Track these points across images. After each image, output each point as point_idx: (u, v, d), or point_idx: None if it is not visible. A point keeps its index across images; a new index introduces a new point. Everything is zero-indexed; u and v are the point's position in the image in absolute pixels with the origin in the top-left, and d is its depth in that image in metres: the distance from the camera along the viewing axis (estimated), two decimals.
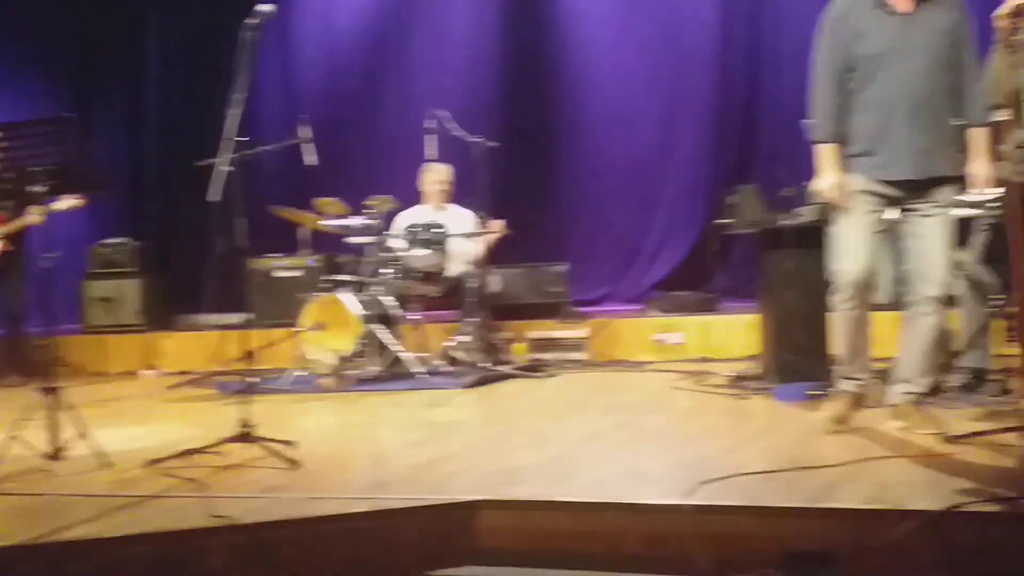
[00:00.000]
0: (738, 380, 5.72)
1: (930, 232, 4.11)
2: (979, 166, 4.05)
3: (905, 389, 4.21)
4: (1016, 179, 3.67)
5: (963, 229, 5.46)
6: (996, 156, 4.13)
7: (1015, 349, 4.52)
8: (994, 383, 4.86)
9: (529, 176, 9.63)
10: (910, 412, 4.17)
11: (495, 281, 7.63)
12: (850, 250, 4.16)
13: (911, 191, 4.12)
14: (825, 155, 4.20)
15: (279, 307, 7.73)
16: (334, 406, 5.82)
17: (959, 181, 4.13)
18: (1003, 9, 3.69)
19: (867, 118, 4.13)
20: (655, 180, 9.55)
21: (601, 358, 7.39)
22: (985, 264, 4.96)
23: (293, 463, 3.95)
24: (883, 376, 4.52)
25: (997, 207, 4.57)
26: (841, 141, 4.18)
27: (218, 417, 4.81)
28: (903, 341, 4.26)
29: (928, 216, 4.12)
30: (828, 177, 4.16)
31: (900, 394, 4.22)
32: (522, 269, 8.04)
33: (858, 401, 4.32)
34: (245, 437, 4.17)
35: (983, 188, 4.07)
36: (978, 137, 4.06)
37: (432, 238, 6.72)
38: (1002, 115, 3.78)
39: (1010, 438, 3.64)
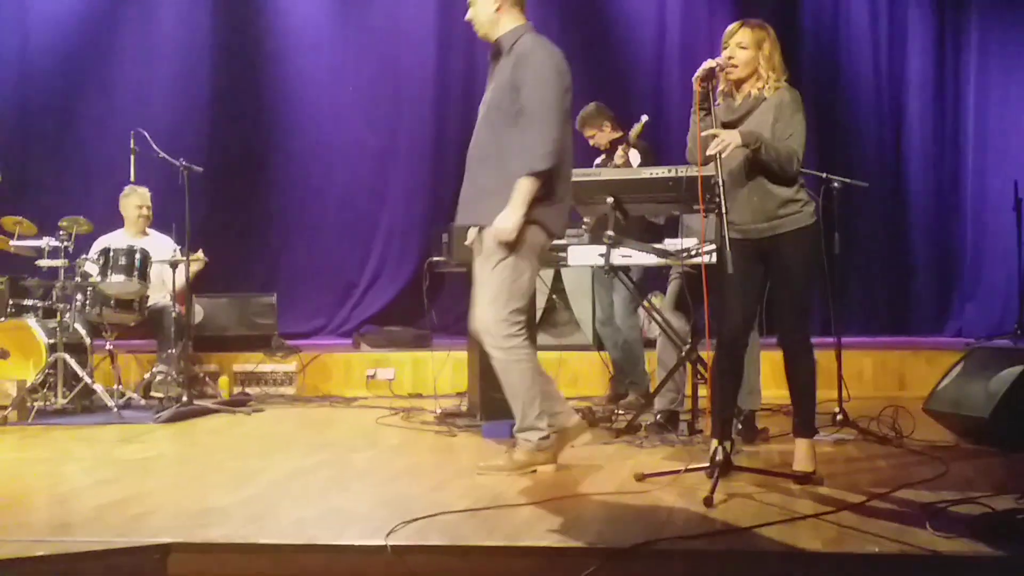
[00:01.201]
0: (446, 417, 5.76)
1: (477, 274, 4.31)
2: (503, 216, 4.13)
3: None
4: (732, 235, 3.87)
5: (657, 277, 5.80)
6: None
7: (704, 391, 4.80)
8: (684, 423, 5.13)
9: (239, 203, 9.40)
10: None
11: (198, 311, 7.34)
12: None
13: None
14: None
15: None
16: (15, 440, 5.38)
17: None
18: (698, 72, 3.95)
19: None
20: (370, 215, 9.57)
21: (311, 393, 7.26)
22: (676, 311, 5.25)
23: None
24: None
25: (690, 257, 4.87)
26: None
27: None
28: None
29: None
30: None
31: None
32: (228, 299, 7.78)
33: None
34: None
35: (499, 237, 4.15)
36: (517, 187, 4.14)
37: (131, 264, 6.35)
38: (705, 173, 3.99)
39: (698, 476, 3.85)
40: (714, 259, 4.05)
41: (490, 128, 4.28)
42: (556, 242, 5.48)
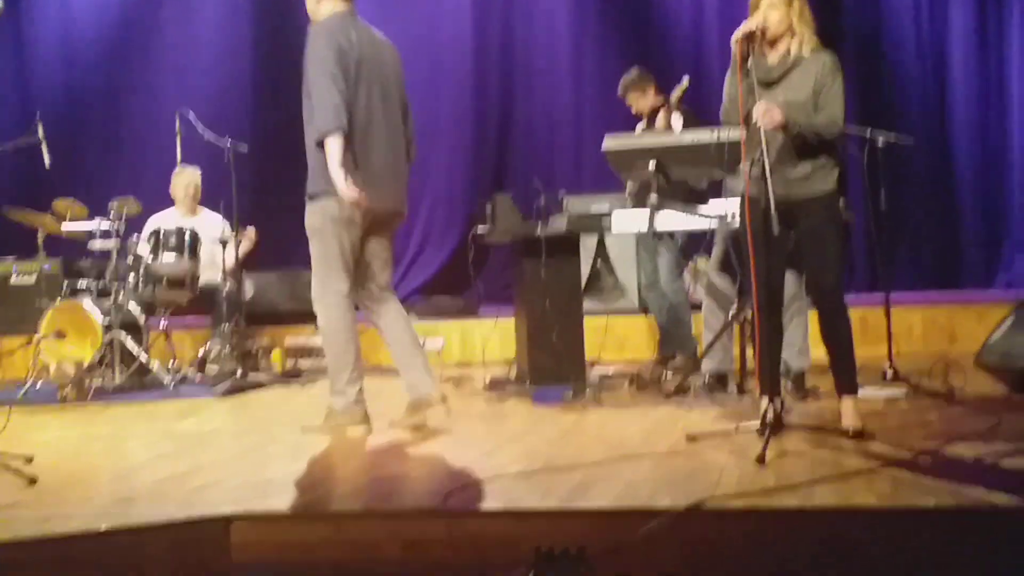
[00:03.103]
0: (496, 384, 5.81)
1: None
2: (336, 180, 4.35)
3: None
4: (752, 193, 3.92)
5: (702, 240, 5.79)
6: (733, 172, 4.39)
7: (752, 351, 4.81)
8: (733, 383, 5.14)
9: (284, 180, 9.39)
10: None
11: (249, 287, 7.44)
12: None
13: None
14: None
15: (14, 314, 7.36)
16: (74, 418, 5.49)
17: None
18: (736, 34, 3.93)
19: None
20: (414, 187, 9.52)
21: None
22: (722, 272, 5.25)
23: (30, 479, 3.70)
24: None
25: (735, 219, 4.86)
26: None
27: None
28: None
29: None
30: None
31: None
32: (278, 274, 7.88)
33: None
34: None
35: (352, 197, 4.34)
36: (328, 151, 4.34)
37: (181, 243, 6.45)
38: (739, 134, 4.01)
39: (749, 435, 3.87)
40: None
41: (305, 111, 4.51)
42: (598, 208, 5.53)
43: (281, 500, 3.34)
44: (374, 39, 4.66)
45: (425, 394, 4.63)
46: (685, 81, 5.66)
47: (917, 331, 6.92)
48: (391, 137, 4.62)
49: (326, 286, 4.50)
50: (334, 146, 4.29)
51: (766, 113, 3.84)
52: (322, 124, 4.31)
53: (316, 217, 4.46)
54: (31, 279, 7.53)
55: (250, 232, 7.03)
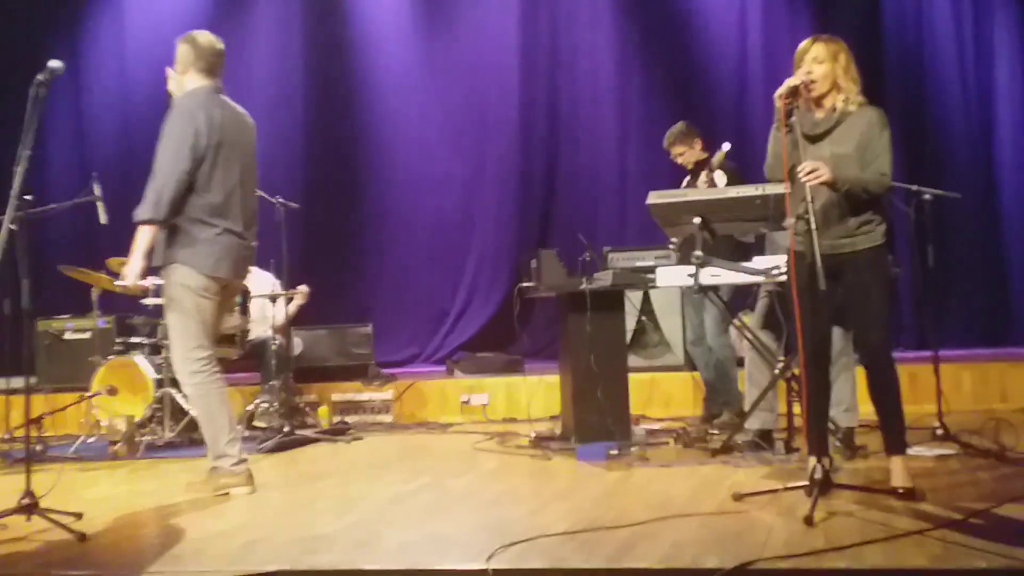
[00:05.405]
0: (541, 440, 5.81)
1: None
2: (127, 266, 4.56)
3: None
4: (797, 248, 3.93)
5: (748, 295, 5.79)
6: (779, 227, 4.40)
7: (798, 408, 4.78)
8: (780, 441, 5.10)
9: (333, 238, 9.62)
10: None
11: (297, 343, 7.52)
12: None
13: None
14: None
15: (68, 370, 7.50)
16: (125, 474, 5.57)
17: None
18: (781, 89, 3.96)
19: None
20: (460, 243, 9.70)
21: (407, 420, 7.37)
22: (766, 329, 5.23)
23: (80, 536, 3.75)
24: None
25: (780, 274, 4.86)
26: None
27: None
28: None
29: None
30: None
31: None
32: (326, 330, 7.97)
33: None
34: (28, 509, 3.92)
35: (125, 285, 4.65)
36: (136, 236, 4.53)
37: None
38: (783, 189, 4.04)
39: (796, 495, 3.83)
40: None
41: None
42: (643, 263, 5.55)
43: (328, 557, 3.36)
44: (236, 116, 4.82)
45: (233, 467, 4.70)
46: (726, 147, 5.71)
47: (967, 388, 6.82)
48: (246, 214, 4.76)
49: (191, 351, 4.59)
50: (146, 235, 4.48)
51: (813, 172, 3.86)
52: (143, 211, 4.49)
53: (175, 287, 4.57)
54: (86, 335, 7.67)
55: (303, 289, 7.14)
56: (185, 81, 4.75)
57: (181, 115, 4.57)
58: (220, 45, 4.82)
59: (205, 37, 4.79)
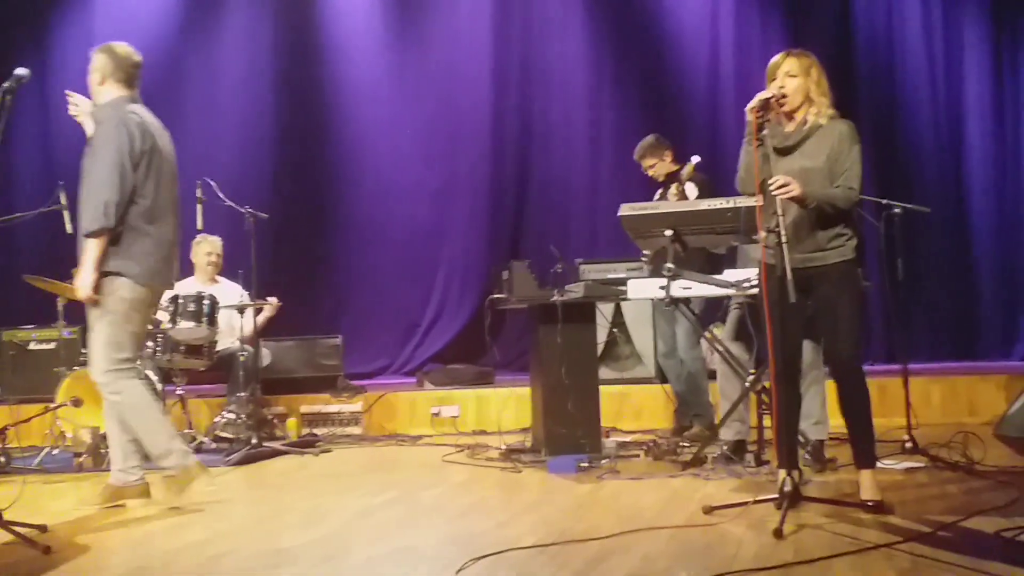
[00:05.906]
0: (511, 453, 5.78)
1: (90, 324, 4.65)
2: (77, 276, 4.49)
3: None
4: (769, 261, 3.93)
5: (719, 308, 5.79)
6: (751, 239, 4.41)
7: (769, 421, 4.78)
8: (751, 454, 5.10)
9: (303, 248, 9.56)
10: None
11: (266, 354, 7.46)
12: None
13: None
14: None
15: (33, 381, 7.39)
16: (91, 486, 5.47)
17: None
18: (752, 103, 3.98)
19: None
20: (430, 254, 9.66)
21: (377, 432, 7.32)
22: (737, 341, 5.24)
23: (45, 549, 3.69)
24: None
25: (751, 287, 4.86)
26: None
27: None
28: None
29: None
30: None
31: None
32: (295, 341, 7.91)
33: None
34: None
35: (81, 297, 4.50)
36: (85, 248, 4.47)
37: (200, 310, 6.48)
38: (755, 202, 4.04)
39: (766, 508, 3.83)
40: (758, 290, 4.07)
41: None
42: (615, 275, 5.54)
43: (294, 571, 3.33)
44: (157, 122, 4.81)
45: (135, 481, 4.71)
46: (695, 159, 5.73)
47: (936, 402, 6.85)
48: (175, 221, 4.76)
49: (117, 362, 4.55)
50: (96, 246, 4.42)
51: (784, 186, 3.87)
52: (89, 222, 4.44)
53: (110, 298, 4.52)
54: (50, 346, 7.57)
55: (273, 301, 7.07)
56: (103, 91, 4.72)
57: (111, 123, 4.54)
58: (138, 57, 4.80)
59: (123, 48, 4.77)
